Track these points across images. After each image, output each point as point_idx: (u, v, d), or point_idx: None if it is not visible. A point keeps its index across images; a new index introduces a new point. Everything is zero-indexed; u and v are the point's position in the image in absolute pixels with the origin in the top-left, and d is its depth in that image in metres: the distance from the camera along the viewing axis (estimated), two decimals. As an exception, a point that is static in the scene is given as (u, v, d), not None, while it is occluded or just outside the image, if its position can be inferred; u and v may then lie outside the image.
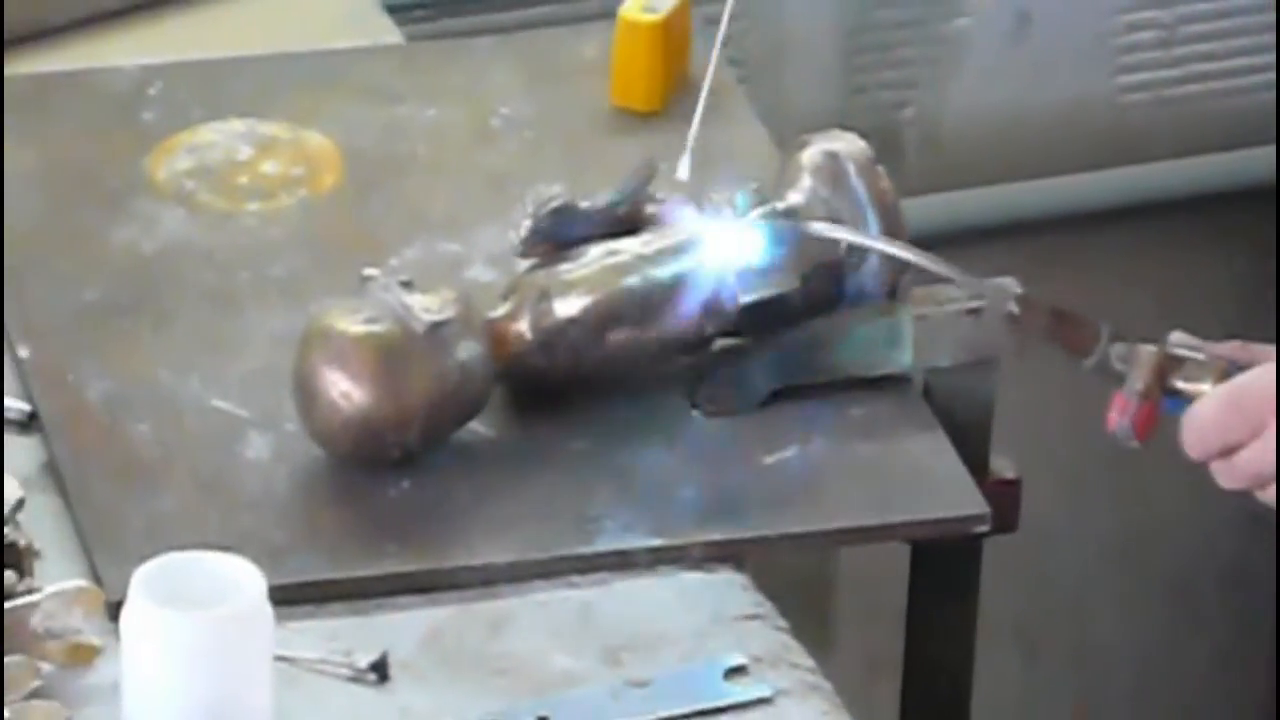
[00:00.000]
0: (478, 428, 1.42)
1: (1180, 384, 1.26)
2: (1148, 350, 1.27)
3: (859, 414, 1.47)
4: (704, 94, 1.53)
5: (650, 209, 1.48)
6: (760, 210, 1.44)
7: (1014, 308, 1.35)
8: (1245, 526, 2.56)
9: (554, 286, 1.43)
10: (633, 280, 1.43)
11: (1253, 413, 1.19)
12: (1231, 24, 2.62)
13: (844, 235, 1.44)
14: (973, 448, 1.50)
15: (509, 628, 1.27)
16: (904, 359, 1.49)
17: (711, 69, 1.55)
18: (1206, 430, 1.22)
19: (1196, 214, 2.61)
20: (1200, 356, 1.27)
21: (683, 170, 1.47)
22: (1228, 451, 1.22)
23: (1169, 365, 1.26)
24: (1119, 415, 1.27)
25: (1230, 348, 1.28)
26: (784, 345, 1.47)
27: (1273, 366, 1.21)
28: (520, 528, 1.34)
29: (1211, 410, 1.22)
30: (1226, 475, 1.24)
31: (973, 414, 1.53)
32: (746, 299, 1.42)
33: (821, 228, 1.43)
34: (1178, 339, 1.29)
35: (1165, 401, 1.26)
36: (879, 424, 1.47)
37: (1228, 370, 1.24)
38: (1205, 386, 1.24)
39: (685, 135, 1.54)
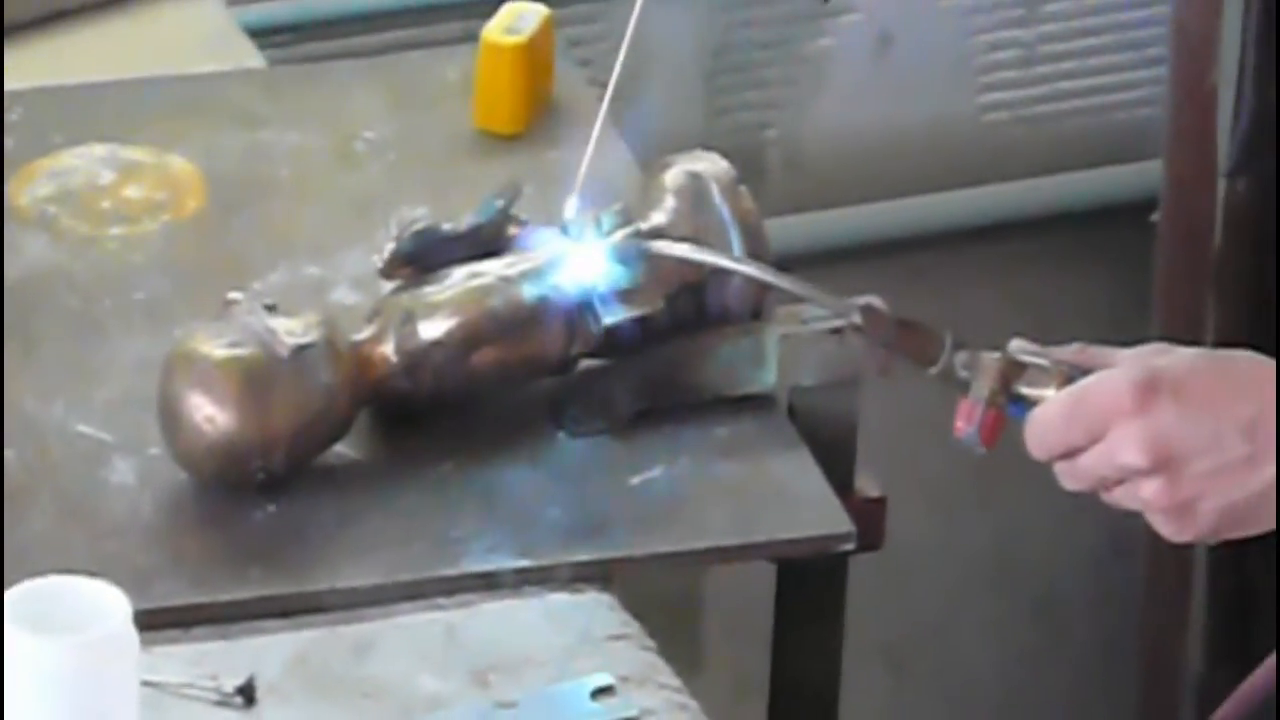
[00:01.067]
0: (343, 450, 1.42)
1: (1024, 389, 1.28)
2: (991, 357, 1.29)
3: (724, 433, 1.48)
4: (595, 133, 1.52)
5: (514, 230, 1.49)
6: (624, 231, 1.45)
7: (857, 319, 1.36)
8: (1111, 547, 2.59)
9: (418, 309, 1.43)
10: (496, 301, 1.43)
11: (1093, 418, 1.22)
12: (1091, 43, 2.66)
13: (699, 257, 1.44)
14: (837, 466, 1.51)
15: (375, 650, 1.27)
16: (768, 378, 1.50)
17: (608, 96, 1.55)
18: (1048, 434, 1.25)
19: (1062, 231, 2.64)
20: (1043, 362, 1.29)
21: (569, 210, 1.47)
22: (1070, 454, 1.24)
23: (1012, 372, 1.28)
24: (965, 423, 1.28)
25: (1072, 351, 1.31)
26: (648, 366, 1.48)
27: (1113, 373, 1.24)
28: (385, 550, 1.34)
29: (1053, 415, 1.25)
30: (1069, 477, 1.26)
31: (837, 432, 1.55)
32: (610, 320, 1.42)
33: (678, 249, 1.44)
34: (1018, 346, 1.31)
35: (1011, 407, 1.28)
36: (744, 443, 1.48)
37: (1070, 375, 1.27)
38: (1049, 391, 1.27)
39: (548, 158, 1.56)
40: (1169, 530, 1.26)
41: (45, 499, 1.37)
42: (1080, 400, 1.24)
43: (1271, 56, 2.37)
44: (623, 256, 1.42)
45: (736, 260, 1.45)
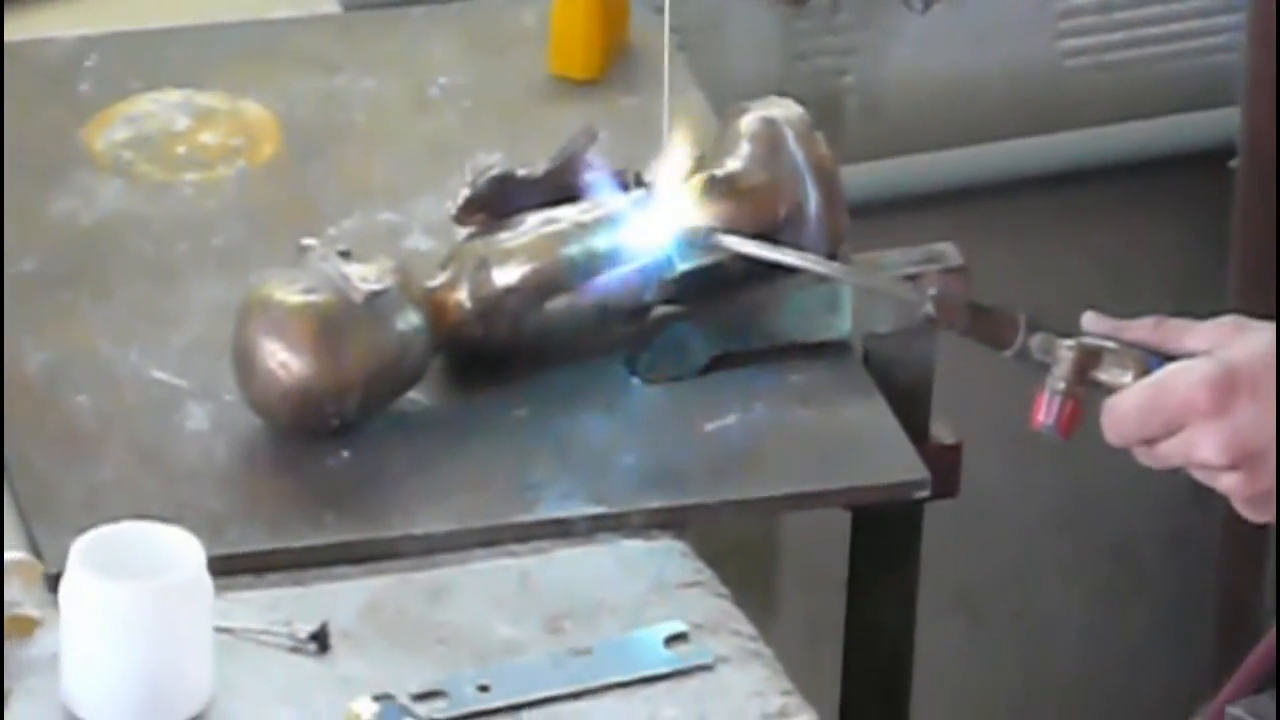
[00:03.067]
0: (416, 397, 1.42)
1: (1101, 377, 1.27)
2: (1066, 345, 1.27)
3: (798, 380, 1.47)
4: (666, 77, 1.51)
5: (589, 177, 1.48)
6: (699, 177, 1.44)
7: (930, 309, 1.35)
8: (1187, 491, 2.57)
9: (492, 255, 1.43)
10: (571, 248, 1.43)
11: (1170, 414, 1.21)
12: (1172, -13, 2.62)
13: (763, 254, 1.43)
14: (913, 413, 1.51)
15: (449, 597, 1.27)
16: (843, 325, 1.50)
17: (666, 53, 1.54)
18: (1125, 426, 1.24)
19: (1140, 178, 2.61)
20: (1116, 347, 1.28)
21: (651, 174, 1.46)
22: (1147, 443, 1.24)
23: (1088, 360, 1.27)
24: (1044, 415, 1.28)
25: (1148, 328, 1.29)
26: (723, 313, 1.47)
27: (1189, 367, 1.23)
28: (459, 496, 1.34)
29: (1129, 407, 1.24)
30: (1146, 458, 1.26)
31: (912, 379, 1.54)
32: (684, 266, 1.42)
33: (746, 245, 1.43)
34: (1091, 322, 1.30)
35: (1089, 390, 1.27)
36: (818, 390, 1.47)
37: (1144, 361, 1.25)
38: (1126, 378, 1.25)
39: (623, 104, 1.55)
40: (1249, 513, 1.25)
41: (119, 445, 1.38)
42: (1157, 395, 1.23)
43: (1355, 2, 2.34)
44: (689, 234, 1.42)
45: (802, 258, 1.44)
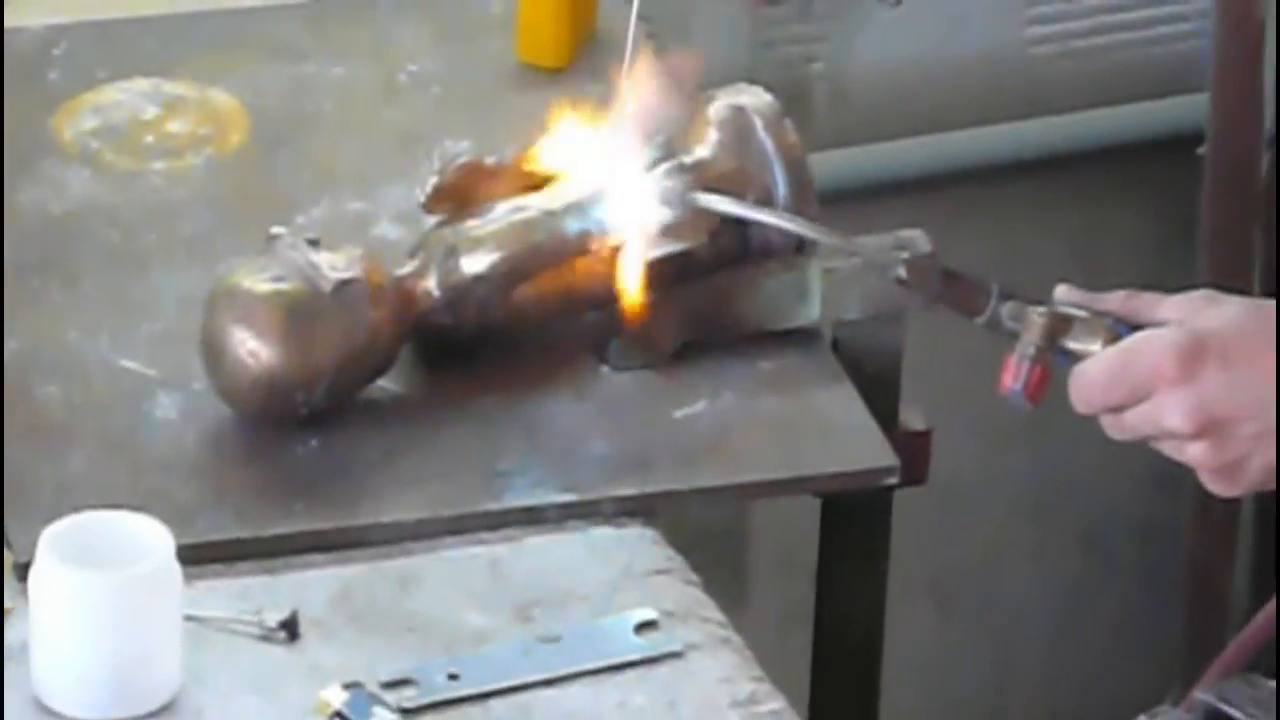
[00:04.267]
0: (386, 385, 1.42)
1: (1070, 344, 1.27)
2: (1037, 312, 1.28)
3: (768, 368, 1.48)
4: (627, 63, 1.51)
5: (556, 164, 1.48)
6: (667, 165, 1.44)
7: (901, 272, 1.35)
8: (1155, 479, 2.58)
9: (461, 243, 1.42)
10: (539, 235, 1.43)
11: (1137, 381, 1.22)
12: (1140, -26, 2.63)
13: (739, 210, 1.43)
14: (881, 399, 1.51)
15: (419, 585, 1.27)
16: (812, 312, 1.50)
17: (632, 39, 1.53)
18: (1091, 392, 1.25)
19: (1109, 165, 2.61)
20: (1087, 315, 1.28)
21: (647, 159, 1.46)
22: (1114, 410, 1.24)
23: (1058, 327, 1.27)
24: (1012, 380, 1.28)
25: (1119, 300, 1.30)
26: (692, 300, 1.47)
27: (1158, 334, 1.23)
28: (429, 485, 1.34)
29: (1096, 374, 1.24)
30: (1113, 429, 1.26)
31: (881, 366, 1.54)
32: (654, 254, 1.42)
33: (720, 202, 1.43)
34: (1064, 294, 1.30)
35: (1057, 359, 1.27)
36: (788, 377, 1.47)
37: (1116, 330, 1.26)
38: (1095, 347, 1.26)
39: (592, 92, 1.54)
40: (1216, 487, 1.26)
41: (88, 434, 1.38)
42: (1125, 361, 1.23)
43: (1319, -13, 2.35)
44: (666, 191, 1.41)
45: (777, 215, 1.44)
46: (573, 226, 1.43)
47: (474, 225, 1.44)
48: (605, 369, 1.46)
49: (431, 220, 1.47)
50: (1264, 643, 1.49)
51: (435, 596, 1.26)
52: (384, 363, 1.40)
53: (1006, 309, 1.30)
